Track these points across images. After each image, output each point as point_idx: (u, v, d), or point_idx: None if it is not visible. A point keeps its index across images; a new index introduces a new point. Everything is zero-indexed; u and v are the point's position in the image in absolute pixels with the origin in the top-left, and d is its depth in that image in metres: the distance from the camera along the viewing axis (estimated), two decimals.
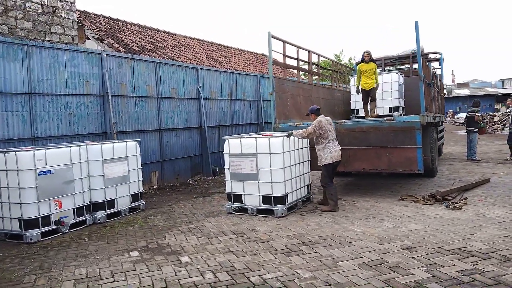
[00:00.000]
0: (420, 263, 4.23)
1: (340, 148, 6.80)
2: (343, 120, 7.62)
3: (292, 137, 6.70)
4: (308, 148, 7.38)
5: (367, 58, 10.00)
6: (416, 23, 7.05)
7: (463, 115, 44.23)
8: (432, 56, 13.06)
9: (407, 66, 14.23)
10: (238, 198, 6.77)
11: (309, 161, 7.45)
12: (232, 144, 6.72)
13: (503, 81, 64.27)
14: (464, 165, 11.37)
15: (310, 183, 7.56)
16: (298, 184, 6.96)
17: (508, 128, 13.36)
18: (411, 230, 5.45)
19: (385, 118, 7.39)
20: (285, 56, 9.00)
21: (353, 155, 7.52)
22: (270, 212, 6.52)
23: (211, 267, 4.43)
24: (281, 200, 6.46)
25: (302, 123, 8.19)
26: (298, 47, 9.57)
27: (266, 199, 6.52)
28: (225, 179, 6.97)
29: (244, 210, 6.76)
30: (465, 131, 24.92)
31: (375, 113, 10.20)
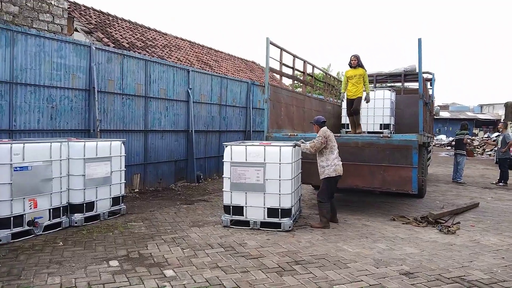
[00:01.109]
0: None
1: (341, 163, 6.59)
2: (338, 134, 7.40)
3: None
4: (301, 160, 7.13)
5: (354, 62, 8.94)
6: (419, 40, 6.92)
7: (442, 137, 45.04)
8: (424, 76, 13.06)
9: (398, 84, 14.29)
10: (238, 210, 6.30)
11: (301, 174, 7.18)
12: (236, 152, 6.27)
13: (481, 106, 65.83)
14: (450, 188, 11.32)
15: (301, 196, 7.31)
16: (297, 197, 6.73)
17: (496, 153, 13.44)
18: (406, 253, 5.23)
19: (381, 135, 7.21)
20: (281, 64, 8.78)
21: (346, 171, 7.27)
22: (275, 225, 6.17)
23: (198, 283, 4.09)
24: (288, 212, 6.16)
25: (295, 134, 7.95)
26: (294, 56, 9.38)
27: (271, 212, 6.17)
28: (223, 189, 6.46)
29: (243, 223, 6.31)
30: (446, 153, 25.18)
31: (360, 129, 9.24)
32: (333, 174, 6.41)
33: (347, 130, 11.08)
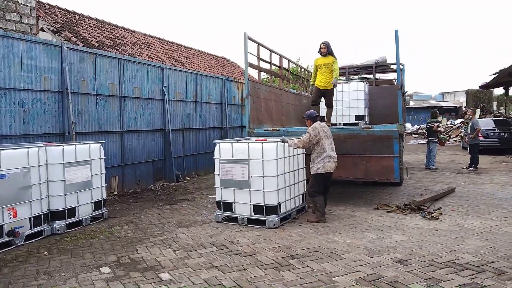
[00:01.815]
0: (418, 278, 4.08)
1: (336, 159, 6.38)
2: None
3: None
4: (304, 155, 7.02)
5: (324, 50, 8.44)
6: (396, 31, 7.04)
7: (408, 125, 46.33)
8: (394, 66, 13.34)
9: (369, 75, 14.54)
10: (228, 206, 6.34)
11: (304, 169, 7.04)
12: (223, 149, 6.30)
13: (443, 94, 68.07)
14: (425, 174, 11.65)
15: (305, 192, 7.15)
16: (292, 193, 6.58)
17: (466, 139, 13.92)
18: (396, 241, 5.33)
19: (363, 126, 7.30)
20: (259, 59, 8.73)
21: None
22: (261, 222, 6.11)
23: (197, 285, 4.01)
24: (273, 210, 6.08)
25: (277, 128, 7.94)
26: (271, 51, 9.35)
27: (257, 209, 6.12)
28: (214, 186, 6.52)
29: (234, 219, 6.33)
30: (414, 141, 25.94)
31: (330, 123, 8.79)
32: (321, 171, 6.27)
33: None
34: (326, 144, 6.32)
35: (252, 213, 6.17)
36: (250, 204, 6.17)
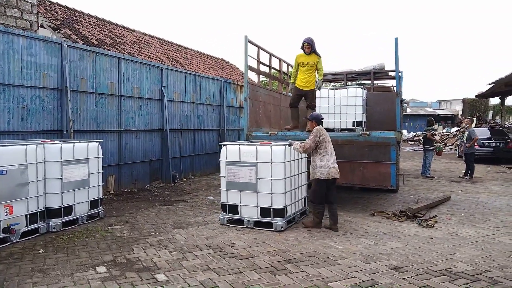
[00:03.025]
0: (413, 285, 4.11)
1: (337, 166, 6.29)
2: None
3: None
4: (306, 159, 7.02)
5: (307, 49, 7.80)
6: (396, 39, 7.08)
7: (404, 132, 46.52)
8: (392, 73, 13.41)
9: (367, 82, 14.59)
10: (233, 209, 6.34)
11: (306, 173, 7.04)
12: (230, 151, 6.29)
13: (440, 102, 68.37)
14: (420, 182, 11.70)
15: (307, 196, 7.14)
16: (296, 197, 6.61)
17: (462, 148, 14.00)
18: (392, 248, 5.35)
19: (360, 132, 7.32)
20: (259, 62, 8.75)
21: None
22: (268, 225, 6.12)
23: (193, 287, 4.02)
24: (280, 212, 6.10)
25: (276, 132, 7.96)
26: (271, 54, 9.37)
27: (264, 211, 6.13)
28: (220, 189, 6.52)
29: (239, 222, 6.35)
30: (410, 148, 26.07)
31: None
32: (325, 177, 6.15)
33: (286, 126, 8.90)
34: (329, 148, 6.26)
35: (259, 216, 6.19)
36: (257, 207, 6.18)
